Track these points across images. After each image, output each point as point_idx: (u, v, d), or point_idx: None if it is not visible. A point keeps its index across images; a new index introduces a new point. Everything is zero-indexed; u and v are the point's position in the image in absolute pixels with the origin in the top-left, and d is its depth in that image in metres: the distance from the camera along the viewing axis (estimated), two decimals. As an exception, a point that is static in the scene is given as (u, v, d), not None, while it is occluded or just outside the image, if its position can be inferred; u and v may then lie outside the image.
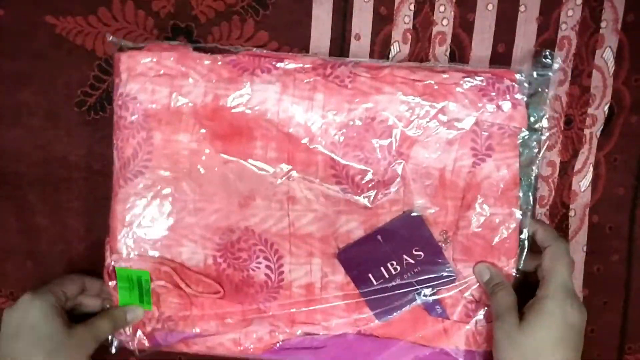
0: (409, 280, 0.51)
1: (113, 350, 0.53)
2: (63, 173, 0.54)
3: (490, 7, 0.51)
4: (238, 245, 0.51)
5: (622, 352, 0.56)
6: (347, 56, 0.52)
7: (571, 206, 0.54)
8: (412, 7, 0.51)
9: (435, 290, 0.51)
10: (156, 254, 0.51)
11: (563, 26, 0.51)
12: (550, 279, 0.48)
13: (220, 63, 0.50)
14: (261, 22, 0.52)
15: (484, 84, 0.49)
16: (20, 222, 0.55)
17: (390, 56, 0.52)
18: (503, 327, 0.47)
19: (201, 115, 0.50)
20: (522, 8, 0.51)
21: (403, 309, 0.52)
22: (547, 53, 0.50)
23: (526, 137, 0.49)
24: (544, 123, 0.50)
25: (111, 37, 0.50)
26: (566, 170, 0.53)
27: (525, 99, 0.49)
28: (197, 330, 0.53)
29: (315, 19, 0.52)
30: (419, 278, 0.51)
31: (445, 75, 0.49)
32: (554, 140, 0.53)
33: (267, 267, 0.51)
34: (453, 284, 0.51)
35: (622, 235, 0.55)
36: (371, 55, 0.52)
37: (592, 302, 0.56)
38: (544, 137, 0.50)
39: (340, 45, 0.52)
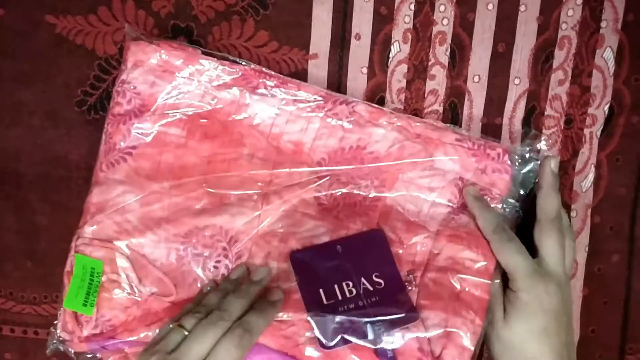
0: (363, 309, 0.46)
1: (48, 351, 0.50)
2: (63, 172, 0.54)
3: (490, 6, 0.51)
4: (203, 241, 0.49)
5: (623, 352, 0.56)
6: (348, 55, 0.52)
7: (573, 206, 0.54)
8: (412, 6, 0.51)
9: (390, 331, 0.46)
10: (119, 242, 0.49)
11: (563, 26, 0.51)
12: (514, 272, 0.46)
13: (226, 71, 0.50)
14: (261, 21, 0.52)
15: (476, 147, 0.49)
16: (20, 222, 0.55)
17: (390, 55, 0.52)
18: (491, 320, 0.47)
19: (195, 114, 0.50)
20: (522, 8, 0.51)
21: (352, 342, 0.45)
22: (533, 134, 0.51)
23: (505, 206, 0.50)
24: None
25: (127, 27, 0.50)
26: (566, 169, 0.53)
27: (515, 167, 0.49)
28: (141, 336, 0.48)
29: (316, 18, 0.52)
30: (376, 310, 0.46)
31: (441, 133, 0.50)
32: (553, 140, 0.53)
33: (226, 267, 0.49)
34: (412, 330, 0.46)
35: (623, 235, 0.55)
36: (371, 55, 0.52)
37: (593, 302, 0.55)
38: (519, 214, 0.50)
39: (340, 45, 0.52)
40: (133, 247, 0.49)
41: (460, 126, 0.53)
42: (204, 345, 0.41)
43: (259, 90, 0.50)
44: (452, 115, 0.53)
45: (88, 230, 0.49)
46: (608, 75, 0.52)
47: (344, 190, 0.50)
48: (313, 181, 0.50)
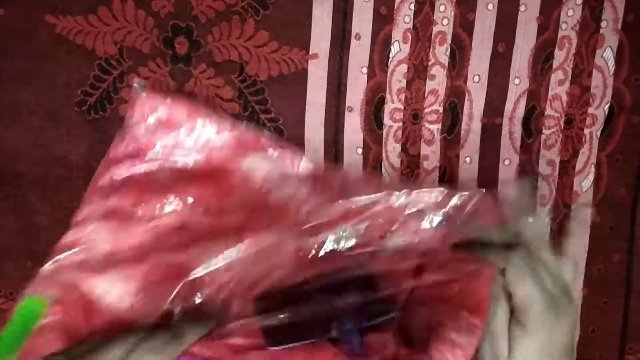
0: (329, 304, 0.42)
1: None
2: (63, 173, 0.54)
3: (490, 6, 0.51)
4: (166, 280, 0.45)
5: (623, 352, 0.56)
6: (348, 55, 0.52)
7: (573, 207, 0.54)
8: (412, 6, 0.51)
9: (359, 326, 0.42)
10: (77, 277, 0.46)
11: (563, 26, 0.52)
12: (526, 305, 0.41)
13: (222, 131, 0.50)
14: (261, 21, 0.52)
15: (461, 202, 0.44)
16: (20, 222, 0.55)
17: (390, 55, 0.52)
18: (494, 353, 0.43)
19: (191, 171, 0.50)
20: (522, 8, 0.51)
21: (306, 339, 0.42)
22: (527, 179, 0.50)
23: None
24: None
25: (136, 81, 0.50)
26: (567, 169, 0.53)
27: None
28: None
29: (316, 18, 0.52)
30: (342, 307, 0.42)
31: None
32: (553, 140, 0.53)
33: (183, 308, 0.45)
34: (386, 322, 0.43)
35: (622, 235, 0.55)
36: (371, 55, 0.52)
37: (593, 302, 0.56)
38: None
39: (340, 45, 0.52)
40: (89, 286, 0.46)
41: (460, 126, 0.53)
42: (119, 350, 0.38)
43: (253, 152, 0.49)
44: (452, 115, 0.53)
45: (48, 268, 0.46)
46: (608, 75, 0.52)
47: (326, 248, 0.46)
48: (295, 233, 0.47)
